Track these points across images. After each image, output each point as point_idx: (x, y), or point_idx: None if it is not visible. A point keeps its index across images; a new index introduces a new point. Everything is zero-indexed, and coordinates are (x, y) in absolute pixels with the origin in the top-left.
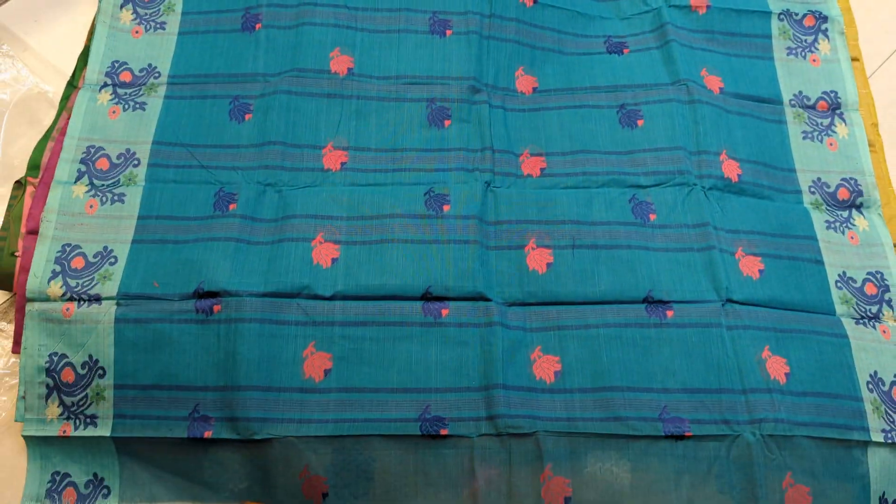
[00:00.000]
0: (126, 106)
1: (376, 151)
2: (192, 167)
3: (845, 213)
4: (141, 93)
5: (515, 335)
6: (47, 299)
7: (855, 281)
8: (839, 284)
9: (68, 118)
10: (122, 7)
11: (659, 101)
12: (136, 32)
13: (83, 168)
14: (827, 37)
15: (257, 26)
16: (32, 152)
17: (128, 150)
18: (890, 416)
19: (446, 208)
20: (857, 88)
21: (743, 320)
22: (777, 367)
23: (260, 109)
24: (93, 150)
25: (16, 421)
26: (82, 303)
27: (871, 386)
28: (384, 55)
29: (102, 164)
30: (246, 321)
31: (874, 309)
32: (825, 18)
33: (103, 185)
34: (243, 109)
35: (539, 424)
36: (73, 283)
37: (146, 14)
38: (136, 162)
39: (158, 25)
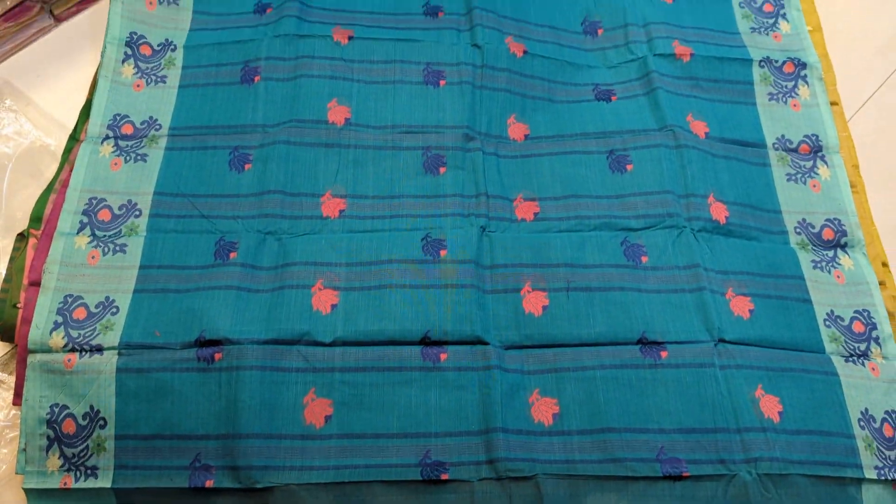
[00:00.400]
0: (128, 158)
1: (374, 199)
2: (192, 217)
3: (831, 253)
4: (142, 145)
5: (514, 378)
6: (49, 350)
7: (843, 319)
8: (827, 323)
9: (70, 170)
10: (123, 62)
11: (647, 146)
12: (138, 86)
13: (85, 219)
14: (806, 82)
15: (256, 79)
16: (35, 204)
17: (129, 202)
18: (882, 452)
19: (443, 253)
20: (837, 132)
21: (735, 360)
22: (770, 406)
23: (259, 159)
24: (95, 202)
25: (17, 473)
26: (84, 353)
27: (862, 423)
28: (380, 105)
29: (104, 215)
30: (247, 369)
31: (862, 346)
32: (804, 65)
33: (105, 235)
34: (243, 160)
35: (538, 467)
36: (74, 333)
37: (147, 68)
38: (137, 213)
39: (159, 79)
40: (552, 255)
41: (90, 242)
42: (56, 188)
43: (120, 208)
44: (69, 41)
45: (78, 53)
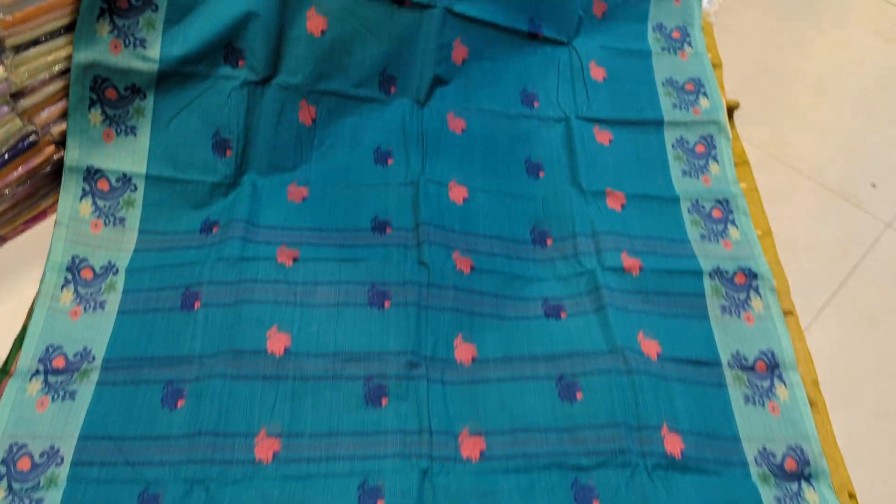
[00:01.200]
0: (55, 395)
1: (311, 437)
2: (116, 464)
3: (794, 486)
4: (73, 380)
5: None
6: None
7: None
8: None
9: None
10: (63, 287)
11: (597, 371)
12: (75, 313)
13: (3, 469)
14: (759, 294)
15: (196, 304)
16: None
17: (52, 447)
18: None
19: (380, 503)
20: (792, 345)
21: None
22: None
23: (193, 394)
24: (15, 449)
25: None
26: None
27: None
28: (322, 331)
29: (24, 464)
30: None
31: None
32: (755, 275)
33: (22, 488)
34: (176, 395)
35: None
36: None
37: (87, 293)
38: (58, 461)
39: (98, 305)
40: (499, 502)
41: (5, 497)
42: None
43: (41, 456)
44: (12, 262)
45: (21, 274)
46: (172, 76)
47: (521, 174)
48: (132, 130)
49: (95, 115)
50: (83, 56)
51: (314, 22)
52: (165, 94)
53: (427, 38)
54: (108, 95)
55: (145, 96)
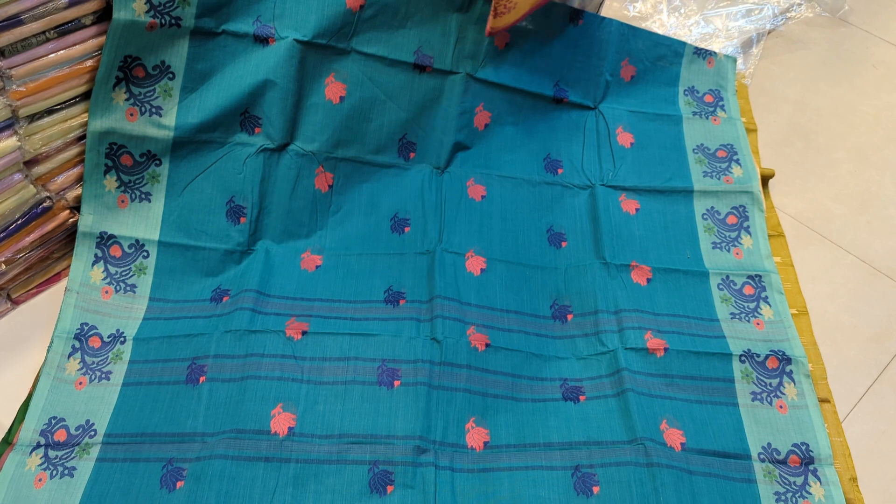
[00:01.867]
0: (54, 472)
1: None
2: None
3: None
4: (73, 455)
5: None
6: None
7: None
8: None
9: None
10: (70, 356)
11: (615, 463)
12: (80, 384)
13: None
14: (792, 379)
15: (201, 379)
16: None
17: None
18: None
19: None
20: (828, 437)
21: None
22: None
23: (193, 476)
24: None
25: None
26: None
27: None
28: (328, 410)
29: None
30: None
31: None
32: (789, 359)
33: None
34: (176, 475)
35: None
36: None
37: (93, 363)
38: None
39: (104, 375)
40: None
41: None
42: None
43: None
44: (24, 325)
45: (33, 338)
46: (188, 143)
47: (542, 244)
48: (146, 197)
49: (111, 181)
50: (98, 124)
51: (333, 89)
52: (181, 161)
53: (449, 105)
54: (123, 162)
55: (161, 162)
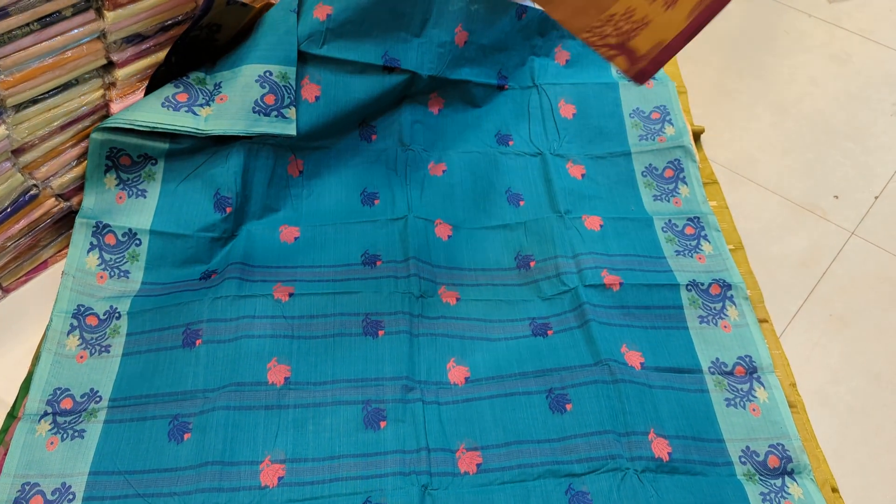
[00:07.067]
0: (64, 436)
1: (313, 461)
2: (128, 497)
3: (778, 482)
4: (80, 419)
5: None
6: None
7: None
8: None
9: (5, 453)
10: (69, 333)
11: (584, 383)
12: (81, 357)
13: None
14: (734, 303)
15: (198, 342)
16: None
17: (63, 485)
18: None
19: None
20: (769, 350)
21: None
22: None
23: (198, 428)
24: (27, 488)
25: None
26: None
27: None
28: (320, 360)
29: (36, 502)
30: None
31: None
32: (729, 286)
33: None
34: (182, 429)
35: None
36: None
37: (92, 338)
38: (70, 496)
39: (103, 349)
40: None
41: None
42: None
43: (53, 493)
44: (15, 312)
45: (24, 323)
46: (182, 150)
47: (502, 203)
48: (142, 193)
49: (110, 180)
50: (100, 134)
51: (309, 90)
52: (175, 162)
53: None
54: (122, 162)
55: (156, 162)
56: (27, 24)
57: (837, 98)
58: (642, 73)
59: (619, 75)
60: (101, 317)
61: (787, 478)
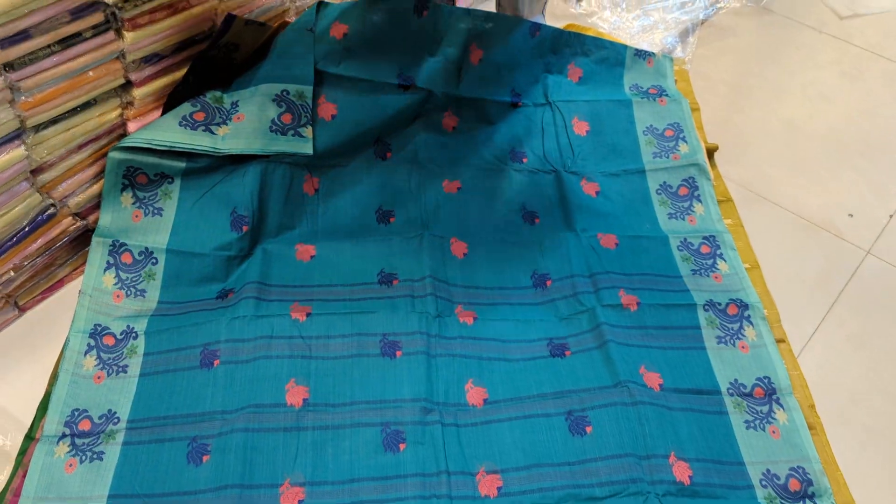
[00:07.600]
0: (83, 458)
1: (333, 484)
2: None
3: None
4: (99, 441)
5: None
6: None
7: None
8: None
9: (24, 476)
10: (86, 353)
11: (604, 405)
12: (98, 378)
13: None
14: (751, 323)
15: (216, 363)
16: None
17: None
18: None
19: None
20: (787, 371)
21: None
22: None
23: (217, 450)
24: None
25: None
26: None
27: None
28: (338, 381)
29: None
30: None
31: None
32: (746, 306)
33: None
34: (201, 451)
35: None
36: None
37: (109, 359)
38: None
39: (121, 369)
40: None
41: None
42: (8, 499)
43: None
44: (32, 331)
45: (41, 343)
46: (198, 169)
47: (517, 222)
48: (159, 212)
49: (127, 198)
50: (117, 153)
51: (325, 108)
52: (191, 180)
53: (416, 112)
54: (139, 180)
55: (173, 181)
56: (48, 46)
57: (849, 115)
58: None
59: (632, 92)
60: (118, 336)
61: (808, 501)
